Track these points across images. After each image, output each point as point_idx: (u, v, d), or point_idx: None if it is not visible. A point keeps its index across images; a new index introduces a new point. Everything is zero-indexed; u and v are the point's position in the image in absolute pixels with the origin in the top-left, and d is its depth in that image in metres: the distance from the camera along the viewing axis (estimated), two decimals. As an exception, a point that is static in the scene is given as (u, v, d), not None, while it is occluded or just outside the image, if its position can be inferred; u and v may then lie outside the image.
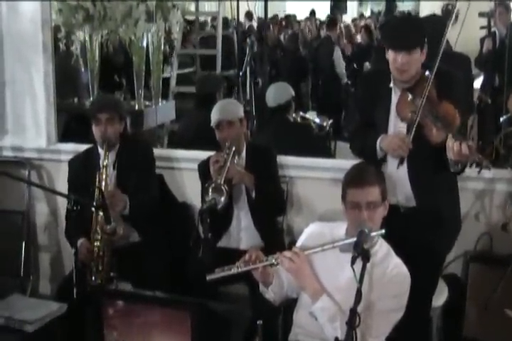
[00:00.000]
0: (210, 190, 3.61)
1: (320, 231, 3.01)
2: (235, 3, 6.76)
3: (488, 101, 5.86)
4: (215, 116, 3.97)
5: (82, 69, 6.52)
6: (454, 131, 3.05)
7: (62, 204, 4.42)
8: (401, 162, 3.30)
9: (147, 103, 6.38)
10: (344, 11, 13.47)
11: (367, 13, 15.80)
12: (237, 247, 3.96)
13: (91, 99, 6.34)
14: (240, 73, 7.02)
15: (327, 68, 8.67)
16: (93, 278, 3.68)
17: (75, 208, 3.36)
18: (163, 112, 6.52)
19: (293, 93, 5.10)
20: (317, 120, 5.93)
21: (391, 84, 3.37)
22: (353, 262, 2.52)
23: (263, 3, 6.53)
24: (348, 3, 14.09)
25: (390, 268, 2.82)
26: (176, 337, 2.65)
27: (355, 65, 9.40)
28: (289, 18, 12.60)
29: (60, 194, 3.78)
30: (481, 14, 5.99)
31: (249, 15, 11.13)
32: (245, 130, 4.08)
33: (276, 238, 4.04)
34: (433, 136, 3.14)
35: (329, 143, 5.97)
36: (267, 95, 5.14)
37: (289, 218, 4.33)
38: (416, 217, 3.36)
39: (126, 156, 4.00)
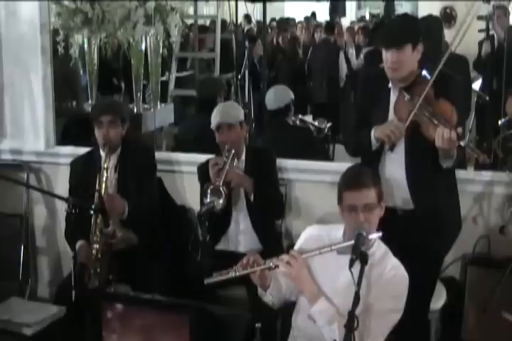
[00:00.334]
0: (209, 192, 3.61)
1: (317, 235, 3.01)
2: (233, 6, 6.77)
3: (486, 103, 5.87)
4: (215, 118, 3.97)
5: (81, 73, 6.53)
6: (451, 128, 3.06)
7: (61, 207, 4.43)
8: (391, 148, 3.30)
9: (146, 106, 6.39)
10: (343, 13, 13.48)
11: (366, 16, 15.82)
12: (236, 250, 3.96)
13: (89, 102, 6.35)
14: (239, 76, 7.03)
15: (326, 72, 8.66)
16: (91, 280, 3.67)
17: (73, 211, 3.36)
18: (162, 115, 6.53)
19: (292, 96, 5.10)
20: (316, 123, 5.93)
21: (390, 85, 3.38)
22: (351, 265, 2.53)
23: (262, 6, 6.52)
24: (347, 6, 14.10)
25: (388, 269, 2.82)
26: (174, 340, 2.65)
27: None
28: (288, 21, 12.59)
29: (59, 197, 3.78)
30: (480, 17, 6.00)
31: (247, 18, 11.13)
32: (245, 133, 4.08)
33: (274, 241, 4.05)
34: (431, 135, 3.14)
35: (328, 146, 5.97)
36: (266, 98, 5.15)
37: (287, 221, 4.33)
38: (413, 219, 3.36)
39: (127, 159, 4.00)
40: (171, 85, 7.74)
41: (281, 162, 4.23)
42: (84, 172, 4.01)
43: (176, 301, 2.89)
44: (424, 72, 3.31)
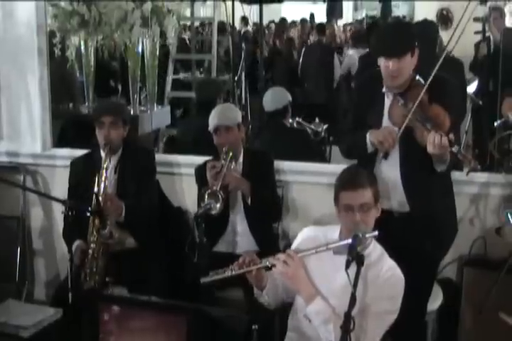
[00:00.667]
0: (206, 196, 3.61)
1: (314, 235, 3.02)
2: (230, 8, 6.77)
3: (479, 107, 5.88)
4: (213, 121, 3.97)
5: (78, 75, 6.53)
6: (443, 133, 3.07)
7: (58, 209, 4.42)
8: (385, 156, 3.31)
9: (142, 108, 6.39)
10: (339, 16, 13.51)
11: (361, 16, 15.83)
12: (233, 252, 3.96)
13: (86, 104, 6.36)
14: (236, 78, 7.03)
15: (319, 73, 8.66)
16: (87, 279, 3.67)
17: (70, 213, 3.37)
18: (159, 117, 6.53)
19: (290, 98, 5.11)
20: (313, 126, 5.93)
21: (384, 89, 3.39)
22: (347, 266, 2.54)
23: (258, 8, 6.53)
24: (344, 8, 14.12)
25: (384, 270, 2.83)
26: (171, 341, 2.66)
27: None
28: (284, 23, 12.61)
29: (56, 199, 3.78)
30: (476, 19, 6.01)
31: (244, 20, 11.15)
32: (243, 135, 4.08)
33: (271, 243, 4.05)
34: (423, 140, 3.15)
35: (324, 148, 5.97)
36: (264, 99, 5.15)
37: (284, 223, 4.33)
38: (410, 222, 3.36)
39: (128, 161, 4.01)
40: (168, 87, 7.74)
41: (278, 164, 4.24)
42: (84, 172, 4.00)
43: (172, 303, 2.89)
44: (418, 77, 3.32)
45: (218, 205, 3.60)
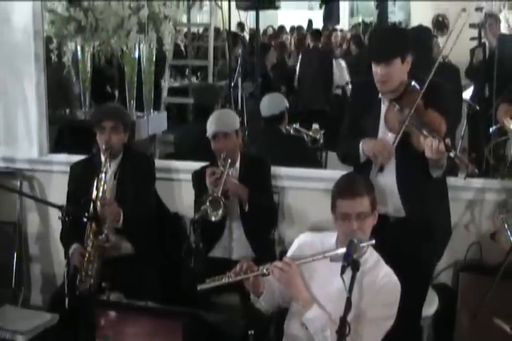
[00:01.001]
0: (208, 203, 3.61)
1: (311, 241, 3.02)
2: (226, 14, 6.79)
3: (477, 112, 5.90)
4: (211, 127, 3.96)
5: (74, 80, 6.54)
6: (440, 138, 3.08)
7: (54, 215, 4.42)
8: (380, 169, 3.32)
9: (139, 114, 6.40)
10: (336, 22, 13.52)
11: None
12: (229, 257, 3.96)
13: (83, 109, 6.36)
14: (232, 84, 7.04)
15: (315, 78, 8.65)
16: (82, 280, 3.68)
17: (66, 219, 3.37)
18: (155, 123, 6.53)
19: (287, 104, 5.11)
20: (311, 133, 5.93)
21: (380, 95, 3.40)
22: (342, 272, 2.54)
23: (255, 14, 6.54)
24: (341, 14, 14.13)
25: (380, 276, 2.83)
26: (168, 347, 2.66)
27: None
28: (281, 30, 12.64)
29: (52, 205, 3.77)
30: (472, 25, 6.04)
31: (241, 26, 11.16)
32: (241, 141, 4.09)
33: (267, 249, 4.05)
34: (420, 145, 3.16)
35: (320, 154, 5.97)
36: (261, 105, 5.15)
37: (280, 228, 4.33)
38: (405, 227, 3.38)
39: (128, 167, 4.01)
40: (164, 93, 7.75)
41: (275, 169, 4.24)
42: (83, 176, 3.99)
43: (169, 308, 2.90)
44: (413, 83, 3.33)
45: (220, 211, 3.60)
